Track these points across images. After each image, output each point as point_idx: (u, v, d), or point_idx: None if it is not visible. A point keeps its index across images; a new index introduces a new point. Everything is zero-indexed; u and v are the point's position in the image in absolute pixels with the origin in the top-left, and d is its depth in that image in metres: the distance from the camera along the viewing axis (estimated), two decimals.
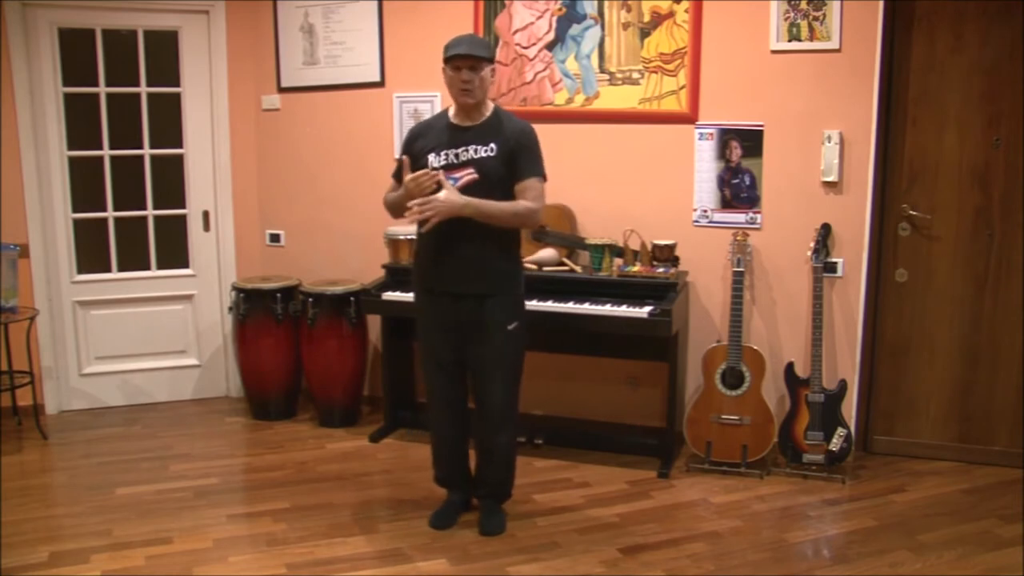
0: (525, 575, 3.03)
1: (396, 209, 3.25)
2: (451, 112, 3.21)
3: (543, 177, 3.19)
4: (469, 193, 3.06)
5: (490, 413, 3.27)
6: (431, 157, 3.14)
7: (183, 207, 4.86)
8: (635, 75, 4.10)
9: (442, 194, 3.02)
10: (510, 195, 3.14)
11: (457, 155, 3.12)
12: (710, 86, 4.01)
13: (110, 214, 4.74)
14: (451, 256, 3.15)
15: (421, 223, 3.05)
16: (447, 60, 3.09)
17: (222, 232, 4.91)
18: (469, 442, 3.46)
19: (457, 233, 3.08)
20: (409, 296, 4.05)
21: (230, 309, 4.69)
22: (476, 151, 3.12)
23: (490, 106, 3.20)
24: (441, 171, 3.08)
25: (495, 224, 3.11)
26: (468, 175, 3.10)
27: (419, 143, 3.21)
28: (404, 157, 3.15)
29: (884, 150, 3.93)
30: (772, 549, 3.22)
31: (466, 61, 3.05)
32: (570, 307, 3.82)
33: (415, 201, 3.01)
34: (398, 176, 3.29)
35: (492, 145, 3.11)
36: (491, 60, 3.13)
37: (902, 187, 3.96)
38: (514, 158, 3.12)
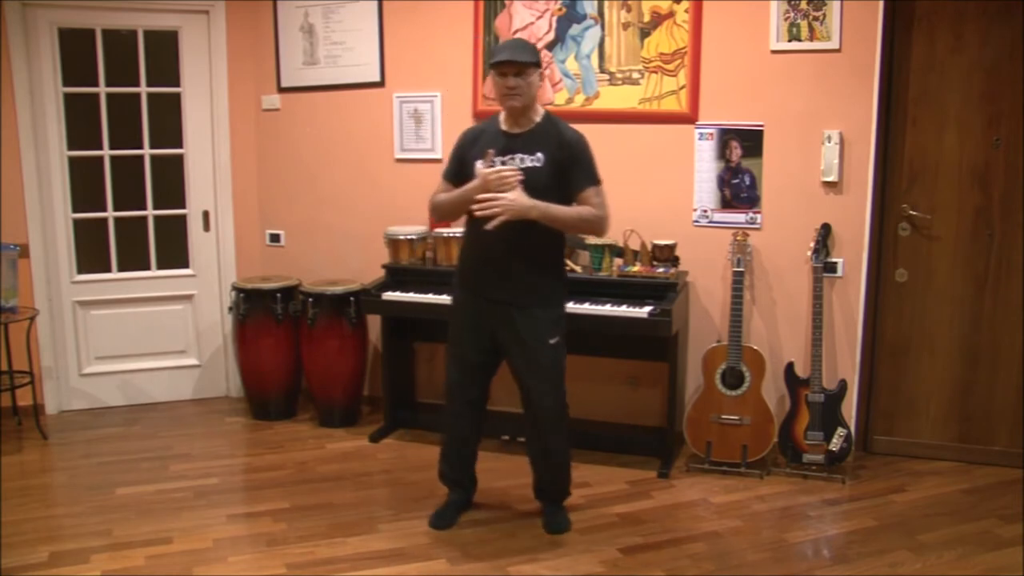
0: (525, 575, 3.03)
1: (452, 208, 3.20)
2: (501, 118, 3.18)
3: (599, 182, 3.14)
4: None
5: (542, 420, 3.25)
6: (479, 164, 3.11)
7: (183, 207, 4.86)
8: (635, 75, 4.10)
9: (511, 194, 2.98)
10: (557, 203, 3.08)
11: (504, 162, 3.09)
12: (710, 86, 4.01)
13: (110, 214, 4.74)
14: (498, 263, 3.12)
15: (483, 220, 2.99)
16: (492, 65, 3.06)
17: (222, 232, 4.91)
18: (480, 443, 3.48)
19: (506, 240, 3.03)
20: (408, 296, 4.07)
21: (230, 309, 4.69)
22: (522, 160, 3.08)
23: (540, 112, 3.17)
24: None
25: (560, 228, 3.10)
26: None
27: (470, 148, 3.19)
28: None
29: (884, 150, 3.93)
30: (772, 549, 3.22)
31: (511, 67, 3.01)
32: (570, 307, 3.79)
33: (484, 196, 2.98)
34: (452, 177, 3.25)
35: (539, 155, 3.08)
36: (538, 64, 3.09)
37: (902, 187, 3.96)
38: (567, 170, 3.09)
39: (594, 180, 3.14)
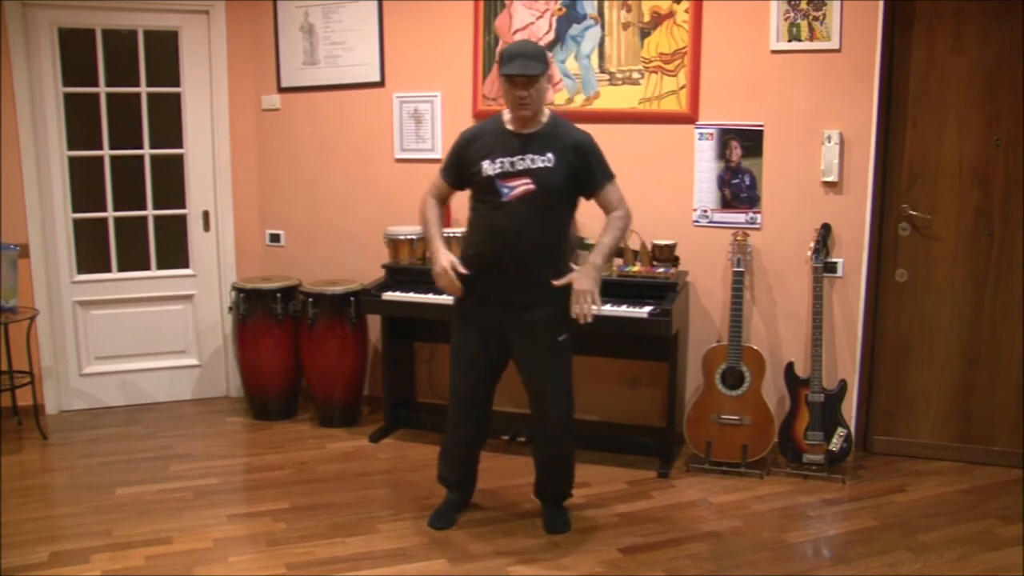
0: (525, 575, 3.03)
1: (424, 233, 3.35)
2: (506, 118, 3.14)
3: (614, 175, 3.18)
4: (525, 202, 3.04)
5: (551, 424, 3.25)
6: (485, 164, 3.09)
7: (183, 207, 4.86)
8: (635, 75, 4.10)
9: (586, 294, 3.02)
10: (567, 204, 3.15)
11: (513, 163, 3.07)
12: (710, 86, 4.01)
13: (110, 214, 4.74)
14: (507, 266, 3.10)
15: (488, 224, 3.13)
16: (502, 75, 3.03)
17: (222, 232, 4.91)
18: (483, 445, 3.47)
19: (515, 244, 3.04)
20: (408, 296, 4.07)
21: (230, 309, 4.70)
22: (533, 160, 3.06)
23: (546, 112, 3.15)
24: (486, 183, 3.09)
25: (615, 251, 3.27)
26: (524, 185, 3.05)
27: (473, 148, 3.15)
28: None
29: (884, 150, 3.93)
30: (772, 549, 3.22)
31: (522, 78, 2.98)
32: None
33: (580, 318, 3.05)
34: (449, 176, 3.26)
35: (549, 155, 3.06)
36: (547, 68, 3.05)
37: (902, 187, 3.96)
38: (583, 170, 3.09)
39: (610, 175, 3.16)
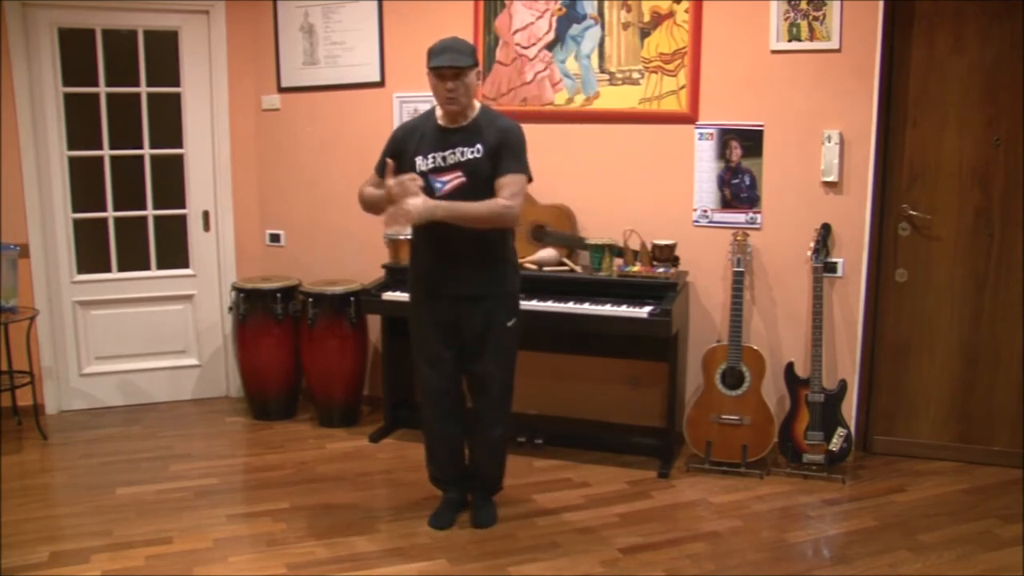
0: (525, 575, 3.03)
1: (371, 206, 3.24)
2: (438, 113, 3.17)
3: (527, 175, 3.16)
4: (458, 196, 3.05)
5: (488, 409, 3.29)
6: (418, 160, 3.12)
7: (183, 207, 4.86)
8: (635, 75, 4.10)
9: (411, 200, 2.96)
10: None
11: (444, 158, 3.11)
12: (710, 86, 4.01)
13: (110, 214, 4.74)
14: (451, 263, 3.13)
15: (429, 227, 3.04)
16: (431, 68, 3.06)
17: (222, 232, 4.91)
18: (463, 442, 3.47)
19: (455, 235, 3.07)
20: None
21: (230, 309, 4.70)
22: (463, 153, 3.10)
23: (476, 107, 3.18)
24: (421, 177, 3.04)
25: (468, 225, 3.05)
26: (456, 178, 3.09)
27: (406, 144, 3.18)
28: (389, 161, 3.08)
29: (884, 150, 3.93)
30: (772, 549, 3.22)
31: (450, 71, 3.02)
32: (570, 307, 3.82)
33: (388, 211, 3.00)
34: (381, 171, 3.24)
35: (478, 146, 3.10)
36: (475, 64, 3.09)
37: (902, 187, 3.96)
38: (497, 155, 3.10)
39: (517, 168, 3.11)
